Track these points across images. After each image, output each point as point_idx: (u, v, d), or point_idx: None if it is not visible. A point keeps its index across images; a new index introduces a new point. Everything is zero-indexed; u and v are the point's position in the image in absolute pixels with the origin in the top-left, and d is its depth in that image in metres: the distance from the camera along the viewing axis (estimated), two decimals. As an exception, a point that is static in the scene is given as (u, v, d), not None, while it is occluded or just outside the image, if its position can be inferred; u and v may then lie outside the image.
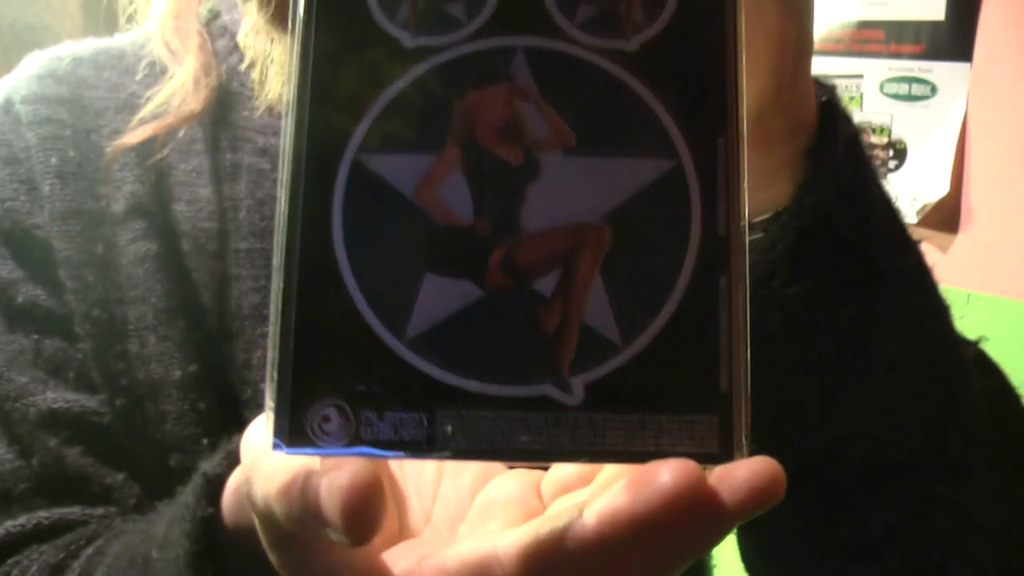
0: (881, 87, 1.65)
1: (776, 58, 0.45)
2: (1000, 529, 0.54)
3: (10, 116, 0.65)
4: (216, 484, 0.46)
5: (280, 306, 0.34)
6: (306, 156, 0.35)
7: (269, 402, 0.33)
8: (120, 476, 0.60)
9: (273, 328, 0.34)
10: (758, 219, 0.49)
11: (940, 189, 1.54)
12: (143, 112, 0.64)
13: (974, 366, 0.55)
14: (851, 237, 0.49)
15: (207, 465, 0.47)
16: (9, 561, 0.56)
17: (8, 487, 0.60)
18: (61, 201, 0.62)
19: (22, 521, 0.58)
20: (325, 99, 0.35)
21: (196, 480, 0.47)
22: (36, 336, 0.61)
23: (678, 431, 0.33)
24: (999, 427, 0.55)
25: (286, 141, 0.35)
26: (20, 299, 0.62)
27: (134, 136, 0.63)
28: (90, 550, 0.55)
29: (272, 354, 0.34)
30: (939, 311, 0.54)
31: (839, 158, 0.48)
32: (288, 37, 0.36)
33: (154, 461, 0.60)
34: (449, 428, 0.33)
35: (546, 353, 0.34)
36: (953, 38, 1.61)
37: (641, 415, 0.34)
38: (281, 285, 0.34)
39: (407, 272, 0.34)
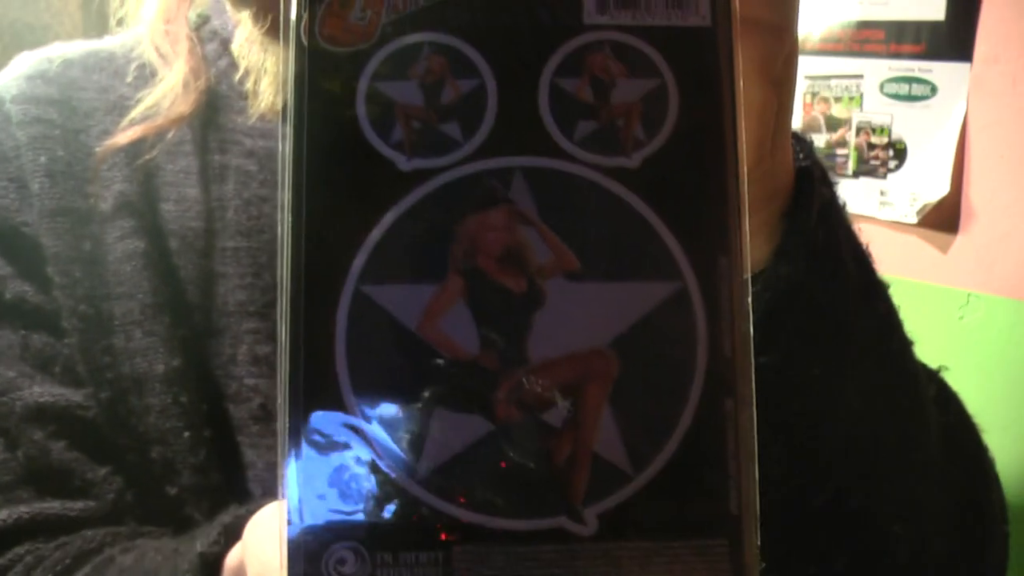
0: (881, 87, 1.64)
1: (757, 131, 0.44)
2: (951, 559, 0.56)
3: (0, 115, 0.64)
4: (214, 565, 0.46)
5: (287, 446, 0.33)
6: (305, 287, 0.33)
7: (284, 547, 0.33)
8: (102, 471, 0.61)
9: (282, 468, 0.33)
10: None
11: (940, 189, 1.55)
12: (133, 113, 0.64)
13: (933, 403, 0.57)
14: (822, 303, 0.50)
15: (203, 541, 0.47)
16: None
17: None
18: (50, 199, 0.62)
19: (3, 516, 0.58)
20: (321, 226, 0.34)
21: (193, 559, 0.47)
22: (24, 331, 0.62)
23: (691, 557, 0.34)
24: (953, 464, 0.57)
25: (283, 271, 0.34)
26: (8, 295, 0.62)
27: (124, 137, 0.63)
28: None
29: (284, 493, 0.33)
30: (903, 353, 0.55)
31: (814, 223, 0.49)
32: (280, 143, 0.34)
33: (137, 453, 0.61)
34: (465, 566, 0.33)
35: (559, 485, 0.34)
36: (953, 38, 1.58)
37: (654, 543, 0.34)
38: (287, 424, 0.33)
39: (416, 408, 0.33)
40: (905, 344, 0.56)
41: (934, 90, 1.61)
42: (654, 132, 0.35)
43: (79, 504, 0.60)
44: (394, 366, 0.34)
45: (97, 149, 0.64)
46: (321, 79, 0.35)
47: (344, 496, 0.33)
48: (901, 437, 0.55)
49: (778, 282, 0.48)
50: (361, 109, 0.35)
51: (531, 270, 0.34)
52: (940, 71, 1.60)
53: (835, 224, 0.51)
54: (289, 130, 0.34)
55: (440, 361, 0.34)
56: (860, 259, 0.53)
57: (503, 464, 0.34)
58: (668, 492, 0.34)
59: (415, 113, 0.35)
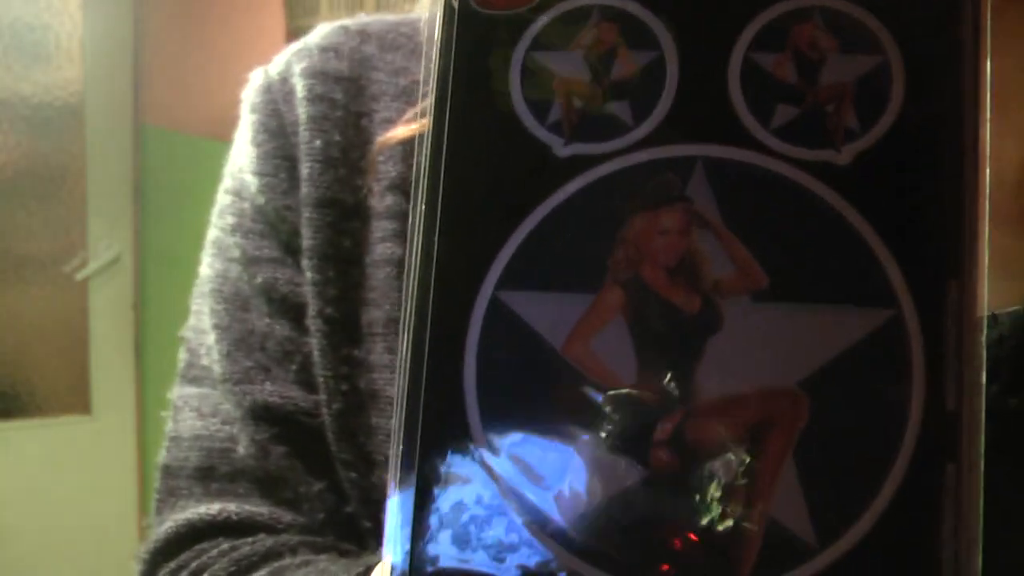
0: None
1: None
2: None
3: (286, 87, 0.60)
4: None
5: (397, 476, 0.28)
6: (435, 289, 0.28)
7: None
8: (318, 486, 0.57)
9: (391, 501, 0.28)
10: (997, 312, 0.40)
11: None
12: (424, 104, 0.60)
13: None
14: None
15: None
16: (195, 548, 0.55)
17: (214, 464, 0.58)
18: (317, 187, 0.57)
19: (214, 511, 0.56)
20: (458, 217, 0.29)
21: None
22: (268, 320, 0.58)
23: (886, 659, 0.27)
24: None
25: (412, 268, 0.29)
26: (260, 279, 0.58)
27: (407, 129, 0.57)
28: None
29: (388, 532, 0.28)
30: None
31: None
32: (418, 130, 0.29)
33: (358, 474, 0.57)
34: (600, 641, 0.27)
35: (722, 555, 0.27)
36: None
37: (840, 638, 0.27)
38: (399, 451, 0.28)
39: (555, 444, 0.28)
40: None
41: None
42: (871, 123, 0.28)
43: (288, 516, 0.57)
44: (532, 390, 0.28)
45: (378, 139, 0.58)
46: (470, 46, 0.29)
47: (459, 540, 0.28)
48: None
49: None
50: (515, 82, 0.29)
51: (707, 286, 0.28)
52: None
53: None
54: (431, 102, 0.29)
55: (588, 389, 0.28)
56: None
57: (653, 523, 0.27)
58: (861, 574, 0.27)
59: (578, 89, 0.29)
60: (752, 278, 0.28)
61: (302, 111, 0.58)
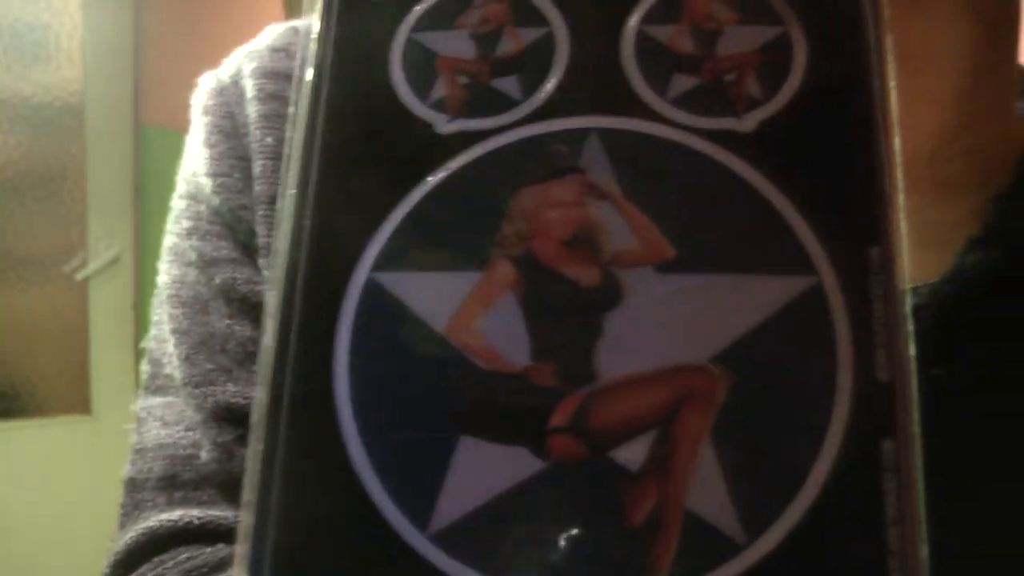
0: None
1: (959, 86, 0.35)
2: None
3: (237, 88, 0.60)
4: None
5: (257, 477, 0.24)
6: (304, 274, 0.26)
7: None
8: None
9: (248, 505, 0.24)
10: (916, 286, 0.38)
11: None
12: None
13: None
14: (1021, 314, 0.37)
15: None
16: (154, 559, 0.52)
17: (177, 472, 0.55)
18: (269, 184, 0.57)
19: (175, 517, 0.53)
20: (330, 200, 0.26)
21: None
22: (228, 321, 0.57)
23: (833, 675, 0.23)
24: None
25: (279, 255, 0.26)
26: (218, 280, 0.57)
27: None
28: None
29: (246, 537, 0.24)
30: None
31: None
32: (292, 107, 0.27)
33: None
34: (494, 666, 0.23)
35: (633, 553, 0.23)
36: None
37: (777, 648, 0.23)
38: (259, 449, 0.24)
39: (435, 437, 0.24)
40: None
41: None
42: (773, 91, 0.27)
43: None
44: (411, 377, 0.25)
45: None
46: (350, 31, 0.28)
47: (327, 549, 0.24)
48: None
49: (964, 275, 0.36)
50: (395, 63, 0.27)
51: (606, 258, 0.25)
52: None
53: None
54: (304, 91, 0.27)
55: (474, 374, 0.25)
56: None
57: (554, 520, 0.24)
58: (796, 571, 0.23)
59: (463, 67, 0.27)
60: (656, 249, 0.25)
61: (253, 110, 0.58)
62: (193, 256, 0.58)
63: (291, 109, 0.27)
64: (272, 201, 0.56)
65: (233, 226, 0.58)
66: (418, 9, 0.28)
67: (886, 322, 0.25)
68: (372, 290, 0.25)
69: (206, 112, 0.60)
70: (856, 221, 0.25)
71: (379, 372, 0.25)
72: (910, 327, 0.25)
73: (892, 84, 0.26)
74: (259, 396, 0.25)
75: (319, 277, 0.25)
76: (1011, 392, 0.38)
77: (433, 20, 0.28)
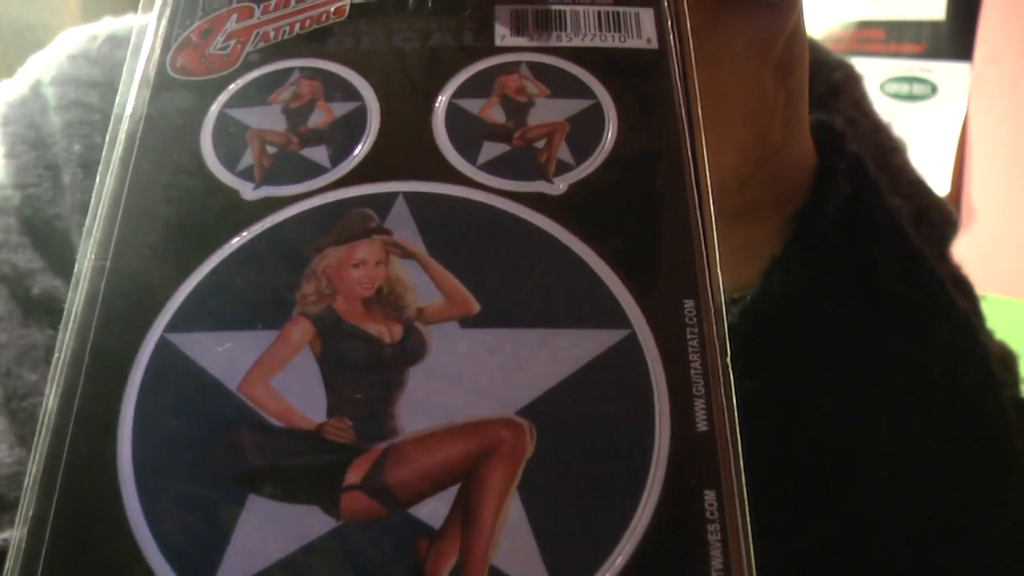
0: (881, 87, 1.61)
1: (757, 125, 0.37)
2: None
3: (39, 98, 0.58)
4: None
5: (23, 543, 0.22)
6: (96, 335, 0.24)
7: None
8: None
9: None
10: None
11: (940, 189, 1.45)
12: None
13: None
14: (835, 321, 0.39)
15: None
16: None
17: (3, 493, 0.50)
18: (81, 192, 0.55)
19: (6, 535, 0.47)
20: (130, 261, 0.25)
21: None
22: (50, 331, 0.54)
23: None
24: None
25: (72, 318, 0.24)
26: (36, 291, 0.54)
27: None
28: None
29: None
30: (981, 394, 0.43)
31: (824, 226, 0.39)
32: (98, 181, 0.27)
33: None
34: None
35: (433, 618, 0.21)
36: (953, 38, 1.58)
37: None
38: (28, 514, 0.22)
39: (221, 497, 0.22)
40: (987, 382, 0.43)
41: (934, 90, 1.58)
42: (585, 155, 0.27)
43: None
44: (199, 438, 0.23)
45: None
46: (163, 107, 0.28)
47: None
48: (974, 501, 0.42)
49: (770, 292, 0.38)
50: (206, 136, 0.27)
51: (410, 314, 0.24)
52: (940, 71, 1.58)
53: (866, 229, 0.41)
54: (112, 165, 0.27)
55: (268, 432, 0.23)
56: (914, 276, 0.42)
57: (348, 583, 0.21)
58: (614, 634, 0.21)
59: (272, 138, 0.27)
60: (462, 304, 0.24)
61: (58, 119, 0.57)
62: (7, 270, 0.56)
63: (96, 185, 0.26)
64: (86, 209, 0.56)
65: (47, 236, 0.56)
66: (232, 87, 0.28)
67: (704, 373, 0.24)
68: (164, 350, 0.24)
69: (7, 122, 0.59)
70: (670, 275, 0.25)
71: (165, 432, 0.23)
72: (731, 377, 0.24)
73: (704, 147, 0.27)
74: (36, 457, 0.23)
75: (111, 338, 0.24)
76: (816, 402, 0.40)
77: (246, 97, 0.28)
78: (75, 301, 0.25)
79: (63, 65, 0.62)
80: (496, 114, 0.27)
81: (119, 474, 0.22)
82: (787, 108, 0.38)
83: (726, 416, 0.23)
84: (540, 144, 0.27)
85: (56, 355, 0.24)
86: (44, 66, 0.63)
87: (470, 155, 0.26)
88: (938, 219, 0.57)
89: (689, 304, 0.24)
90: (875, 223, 0.42)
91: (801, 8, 0.39)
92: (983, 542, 0.44)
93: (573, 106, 0.27)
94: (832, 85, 0.60)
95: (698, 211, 0.26)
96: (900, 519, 0.42)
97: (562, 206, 0.26)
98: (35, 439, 0.23)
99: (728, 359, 0.24)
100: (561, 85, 0.28)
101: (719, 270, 0.25)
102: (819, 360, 0.40)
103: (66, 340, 0.24)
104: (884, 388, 0.41)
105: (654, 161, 0.26)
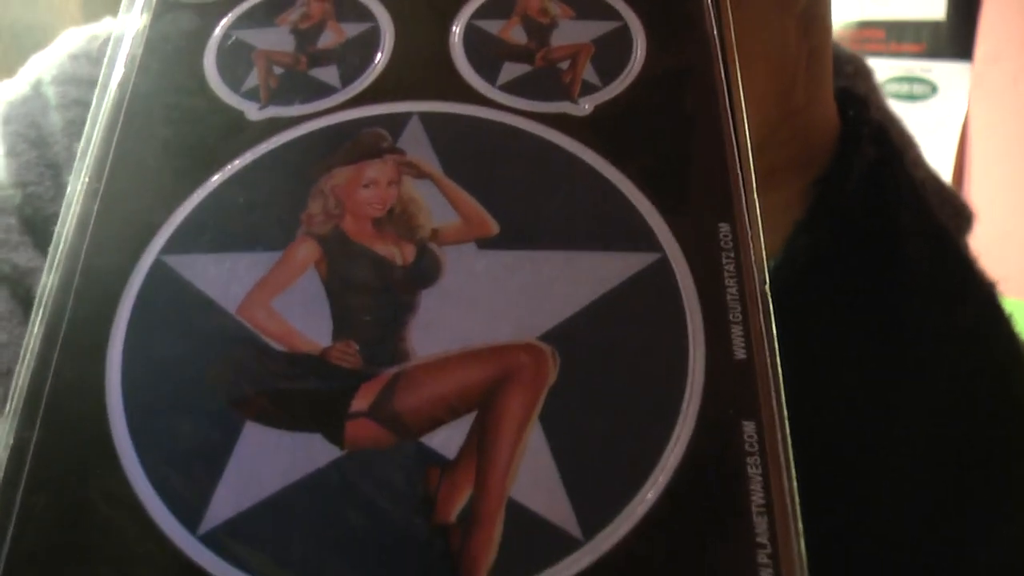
0: (881, 87, 1.60)
1: (778, 80, 0.35)
2: None
3: (40, 97, 0.58)
4: None
5: (4, 470, 0.20)
6: (85, 258, 0.22)
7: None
8: None
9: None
10: None
11: None
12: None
13: None
14: (859, 290, 0.38)
15: None
16: None
17: None
18: None
19: None
20: (125, 183, 0.23)
21: None
22: None
23: None
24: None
25: (62, 240, 0.23)
26: (37, 290, 0.51)
27: None
28: None
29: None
30: (1004, 375, 0.40)
31: (848, 192, 0.38)
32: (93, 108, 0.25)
33: None
34: None
35: (445, 551, 0.19)
36: (953, 37, 1.57)
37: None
38: (10, 441, 0.20)
39: (215, 424, 0.20)
40: (1014, 359, 0.41)
41: (934, 90, 1.56)
42: (611, 77, 0.25)
43: None
44: (193, 361, 0.21)
45: None
46: (165, 29, 0.26)
47: (85, 550, 0.19)
48: (997, 481, 0.40)
49: (794, 258, 0.36)
50: (209, 57, 0.25)
51: (423, 234, 0.22)
52: (940, 71, 1.56)
53: (892, 195, 0.39)
54: (111, 87, 0.25)
55: (267, 355, 0.21)
56: (939, 248, 0.40)
57: (352, 516, 0.19)
58: (646, 572, 0.19)
59: (279, 59, 0.25)
60: (479, 225, 0.22)
61: (59, 118, 0.57)
62: (7, 269, 0.55)
63: (93, 108, 0.25)
64: None
65: (48, 236, 0.54)
66: (238, 9, 0.26)
67: (740, 299, 0.22)
68: (158, 272, 0.22)
69: (8, 121, 0.58)
70: (703, 197, 0.23)
71: (157, 356, 0.21)
72: (769, 302, 0.22)
73: (737, 67, 0.25)
74: (18, 385, 0.21)
75: (102, 260, 0.22)
76: (845, 366, 0.38)
77: (253, 18, 0.26)
78: (66, 223, 0.23)
79: (64, 64, 0.62)
80: (517, 35, 0.26)
81: (107, 399, 0.20)
82: (810, 66, 0.37)
83: (765, 344, 0.21)
84: (564, 65, 0.25)
85: (43, 280, 0.22)
86: (45, 65, 0.63)
87: (489, 75, 0.25)
88: (952, 212, 0.56)
89: (724, 228, 0.23)
90: (899, 191, 0.41)
91: None
92: (1005, 524, 0.42)
93: (598, 27, 0.26)
94: (844, 77, 0.59)
95: (732, 132, 0.24)
96: (918, 499, 0.41)
97: (587, 126, 0.24)
98: (17, 367, 0.21)
99: (767, 286, 0.22)
100: (585, 6, 0.26)
101: (755, 193, 0.23)
102: (839, 329, 0.38)
103: (55, 263, 0.22)
104: (905, 361, 0.39)
105: (685, 81, 0.25)
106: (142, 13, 0.26)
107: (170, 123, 0.24)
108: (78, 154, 0.24)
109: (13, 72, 0.66)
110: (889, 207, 0.40)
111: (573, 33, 0.26)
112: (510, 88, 0.24)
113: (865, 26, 1.74)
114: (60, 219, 0.23)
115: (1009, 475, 0.42)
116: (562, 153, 0.23)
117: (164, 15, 0.26)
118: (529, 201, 0.23)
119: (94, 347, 0.21)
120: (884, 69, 1.70)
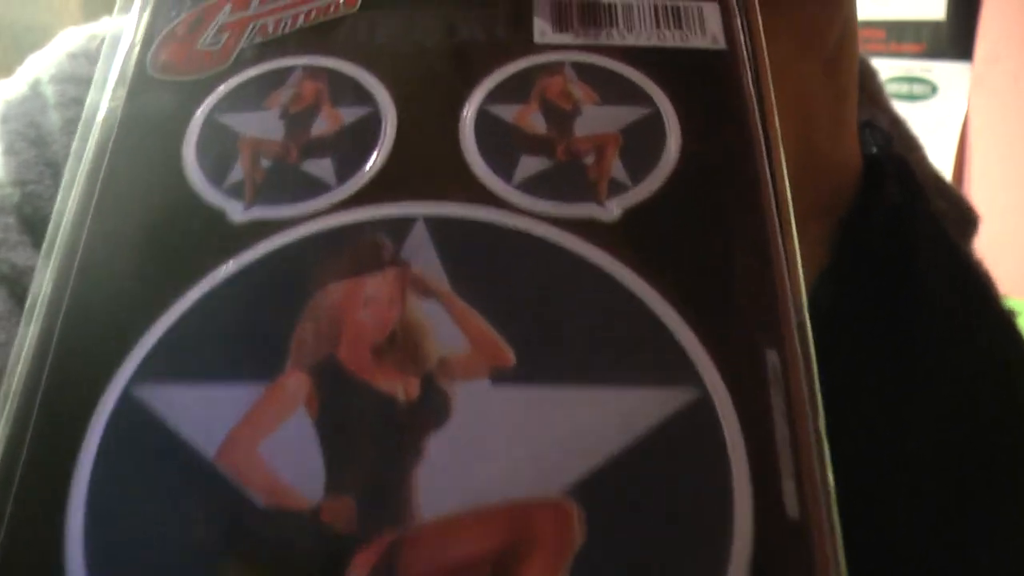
0: None
1: (803, 126, 0.33)
2: None
3: (38, 96, 0.57)
4: None
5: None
6: (47, 387, 0.20)
7: None
8: None
9: None
10: None
11: None
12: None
13: None
14: (876, 335, 0.37)
15: None
16: None
17: None
18: None
19: None
20: (91, 297, 0.21)
21: None
22: None
23: None
24: None
25: (20, 362, 0.20)
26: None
27: None
28: None
29: None
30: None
31: (872, 240, 0.37)
32: (62, 193, 0.22)
33: None
34: None
35: None
36: (954, 37, 1.57)
37: None
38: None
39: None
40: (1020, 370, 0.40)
41: (934, 90, 1.56)
42: (643, 173, 0.22)
43: None
44: (164, 517, 0.18)
45: None
46: (141, 113, 0.23)
47: None
48: (1003, 488, 0.40)
49: (817, 303, 0.35)
50: (188, 146, 0.23)
51: (429, 366, 0.20)
52: (940, 71, 1.56)
53: (916, 239, 0.38)
54: (78, 180, 0.22)
55: (249, 512, 0.18)
56: (960, 282, 0.40)
57: None
58: None
59: (267, 148, 0.23)
60: (493, 355, 0.20)
61: (57, 116, 0.56)
62: (6, 269, 0.54)
63: (59, 203, 0.22)
64: None
65: (45, 233, 0.54)
66: (222, 88, 0.23)
67: (793, 442, 0.19)
68: (128, 406, 0.19)
69: (6, 120, 0.57)
70: (748, 319, 0.20)
71: (124, 510, 0.18)
72: (825, 449, 0.19)
73: (783, 165, 0.22)
74: None
75: (65, 390, 0.19)
76: (864, 407, 0.37)
77: (238, 100, 0.23)
78: (25, 341, 0.20)
79: (63, 63, 0.61)
80: (536, 122, 0.23)
81: (66, 563, 0.18)
82: (835, 108, 0.36)
83: (822, 498, 0.19)
84: (589, 159, 0.22)
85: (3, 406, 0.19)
86: (44, 64, 0.62)
87: (504, 171, 0.22)
88: (957, 216, 0.55)
89: (772, 355, 0.20)
90: (921, 231, 0.40)
91: (854, 7, 0.36)
92: (1008, 527, 0.42)
93: (627, 114, 0.23)
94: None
95: (780, 240, 0.21)
96: (923, 505, 0.41)
97: (616, 234, 0.21)
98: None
99: (822, 424, 0.19)
100: (612, 90, 0.23)
101: (806, 312, 0.21)
102: (861, 374, 0.37)
103: (12, 392, 0.20)
104: (921, 401, 0.39)
105: (725, 181, 0.22)
106: (116, 89, 0.24)
107: (142, 226, 0.22)
108: (41, 256, 0.21)
109: (12, 72, 0.64)
110: (913, 251, 0.39)
111: (598, 121, 0.23)
112: (528, 187, 0.22)
113: (865, 26, 1.74)
114: (20, 333, 0.20)
115: (1013, 479, 0.42)
116: (588, 267, 0.21)
117: (140, 94, 0.23)
118: (549, 326, 0.20)
119: (50, 505, 0.18)
120: (884, 69, 1.69)
